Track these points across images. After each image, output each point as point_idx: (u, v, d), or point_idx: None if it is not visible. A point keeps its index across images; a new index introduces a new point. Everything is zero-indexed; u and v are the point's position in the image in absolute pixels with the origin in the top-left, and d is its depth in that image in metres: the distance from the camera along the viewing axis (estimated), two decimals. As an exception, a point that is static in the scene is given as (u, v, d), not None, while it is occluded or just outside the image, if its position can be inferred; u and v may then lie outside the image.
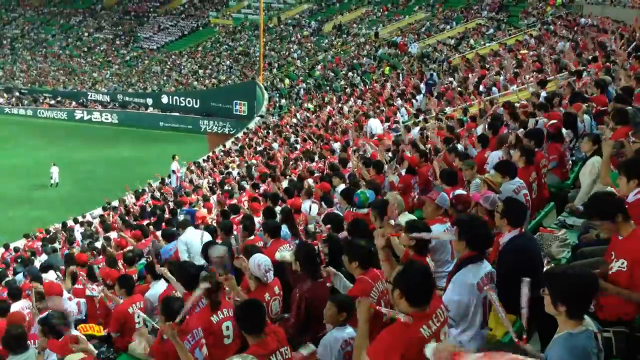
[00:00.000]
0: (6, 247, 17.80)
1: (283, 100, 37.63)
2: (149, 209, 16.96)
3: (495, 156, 8.14)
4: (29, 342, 5.48)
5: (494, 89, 18.66)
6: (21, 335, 5.40)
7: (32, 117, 46.95)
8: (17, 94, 51.61)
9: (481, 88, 19.18)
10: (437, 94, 20.96)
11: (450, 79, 24.06)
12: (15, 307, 8.04)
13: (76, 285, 8.13)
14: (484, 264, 4.30)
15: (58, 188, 28.32)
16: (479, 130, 11.14)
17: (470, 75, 22.06)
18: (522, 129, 8.98)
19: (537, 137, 7.71)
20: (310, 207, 8.89)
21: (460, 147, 9.87)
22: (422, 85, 24.22)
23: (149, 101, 44.52)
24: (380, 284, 4.67)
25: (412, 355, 3.24)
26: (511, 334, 3.31)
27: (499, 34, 31.51)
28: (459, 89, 20.63)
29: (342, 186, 9.02)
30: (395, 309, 3.50)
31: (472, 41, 32.23)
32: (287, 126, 26.95)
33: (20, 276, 12.92)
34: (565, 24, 26.37)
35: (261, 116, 34.66)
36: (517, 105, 12.00)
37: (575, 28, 24.15)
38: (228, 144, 29.17)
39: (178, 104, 42.42)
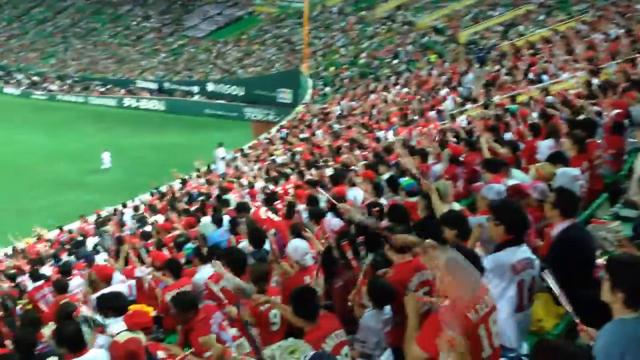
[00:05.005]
0: (60, 228, 18.39)
1: (327, 88, 37.59)
2: (195, 195, 17.27)
3: (545, 145, 7.96)
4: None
5: (543, 76, 18.21)
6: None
7: (84, 104, 48.31)
8: (69, 81, 53.06)
9: (530, 76, 18.75)
10: (485, 81, 20.60)
11: (498, 66, 23.58)
12: (73, 283, 8.36)
13: (128, 266, 8.36)
14: (522, 248, 4.18)
15: (109, 173, 29.06)
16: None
17: (518, 62, 21.59)
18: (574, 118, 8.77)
19: (588, 127, 7.50)
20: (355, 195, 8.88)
21: (509, 135, 9.70)
22: (470, 75, 23.82)
23: (195, 89, 45.15)
24: (421, 273, 4.66)
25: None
26: (574, 318, 3.28)
27: (550, 21, 30.66)
28: (507, 76, 20.23)
29: (388, 174, 8.98)
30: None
31: (521, 27, 31.48)
32: (331, 114, 26.96)
33: (73, 257, 13.39)
34: (619, 10, 25.45)
35: (305, 104, 34.73)
36: (570, 93, 11.70)
37: (630, 14, 23.27)
38: (272, 131, 29.35)
39: (223, 91, 42.89)
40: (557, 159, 6.42)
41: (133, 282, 7.90)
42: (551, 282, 3.34)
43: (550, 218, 4.92)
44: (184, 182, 20.99)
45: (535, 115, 11.00)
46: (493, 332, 3.45)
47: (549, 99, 12.79)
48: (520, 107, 13.05)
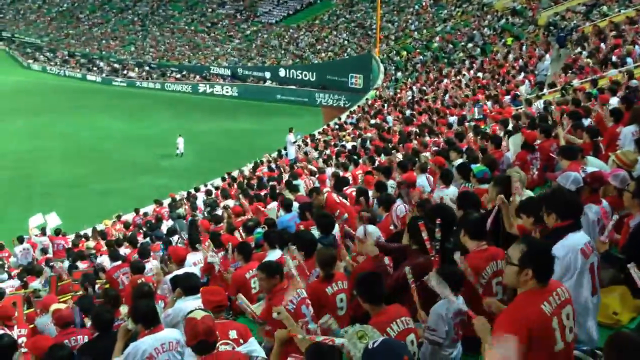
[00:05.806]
0: (137, 211, 19.12)
1: (399, 73, 37.13)
2: (265, 180, 17.50)
3: (627, 131, 7.57)
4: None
5: (628, 59, 17.26)
6: (149, 292, 6.00)
7: (160, 90, 49.99)
8: (147, 68, 54.90)
9: (614, 59, 17.81)
10: (564, 65, 19.78)
11: (579, 49, 22.55)
12: (148, 266, 8.68)
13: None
14: (581, 233, 4.10)
15: (182, 158, 29.95)
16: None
17: (601, 45, 20.56)
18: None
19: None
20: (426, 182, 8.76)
21: (588, 121, 9.27)
22: (547, 61, 22.90)
23: (267, 74, 45.75)
24: (495, 262, 4.54)
25: (536, 331, 3.21)
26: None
27: (636, 0, 28.97)
28: (588, 59, 19.32)
29: (459, 161, 8.79)
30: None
31: (605, 8, 29.91)
32: (403, 99, 26.63)
33: (148, 239, 13.91)
34: None
35: (376, 88, 34.46)
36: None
37: None
38: (343, 117, 29.32)
39: (295, 77, 43.25)
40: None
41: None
42: (636, 275, 3.18)
43: (629, 208, 4.71)
44: (255, 167, 21.36)
45: (616, 100, 10.46)
46: (567, 326, 3.35)
47: (633, 82, 12.13)
48: (601, 92, 12.43)
